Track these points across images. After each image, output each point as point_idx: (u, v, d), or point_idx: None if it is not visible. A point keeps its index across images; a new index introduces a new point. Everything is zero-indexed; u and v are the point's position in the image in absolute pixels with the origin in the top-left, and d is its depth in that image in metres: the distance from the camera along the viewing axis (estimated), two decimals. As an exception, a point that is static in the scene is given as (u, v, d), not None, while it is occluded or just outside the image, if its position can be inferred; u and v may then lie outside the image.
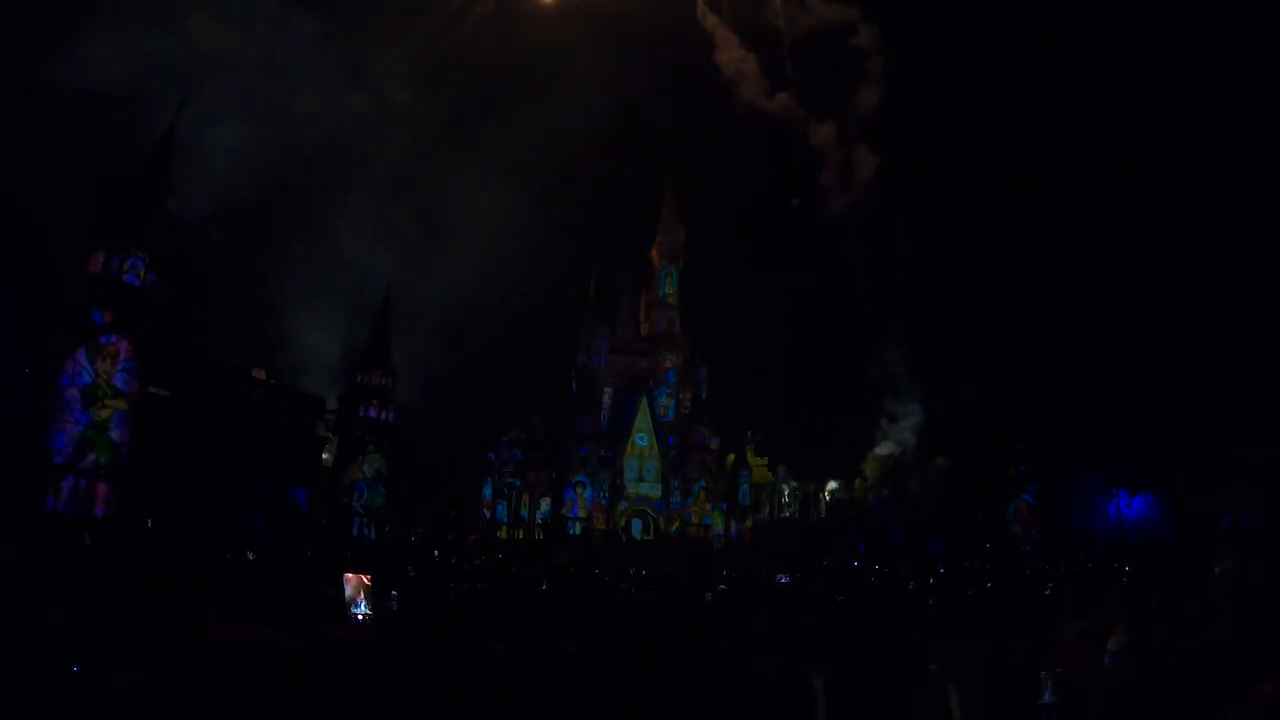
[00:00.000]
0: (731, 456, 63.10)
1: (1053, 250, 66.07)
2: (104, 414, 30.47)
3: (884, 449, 64.74)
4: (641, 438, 58.73)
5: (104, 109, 38.58)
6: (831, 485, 66.71)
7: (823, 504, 65.59)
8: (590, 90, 58.25)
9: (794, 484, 66.27)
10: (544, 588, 11.00)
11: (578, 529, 53.19)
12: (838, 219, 65.52)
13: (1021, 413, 57.04)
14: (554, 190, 71.01)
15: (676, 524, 57.80)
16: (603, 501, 56.64)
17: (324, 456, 45.90)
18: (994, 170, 69.25)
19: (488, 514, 57.91)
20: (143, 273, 31.62)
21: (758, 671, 4.41)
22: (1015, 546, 52.13)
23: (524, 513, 57.29)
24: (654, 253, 66.75)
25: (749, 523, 61.79)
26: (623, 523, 56.42)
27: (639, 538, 55.55)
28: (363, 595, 4.56)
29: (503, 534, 56.01)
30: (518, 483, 58.06)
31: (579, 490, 56.30)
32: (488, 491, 58.70)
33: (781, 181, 63.47)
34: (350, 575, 4.80)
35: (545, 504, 56.83)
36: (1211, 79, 58.68)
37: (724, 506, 60.68)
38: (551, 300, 67.22)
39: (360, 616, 4.50)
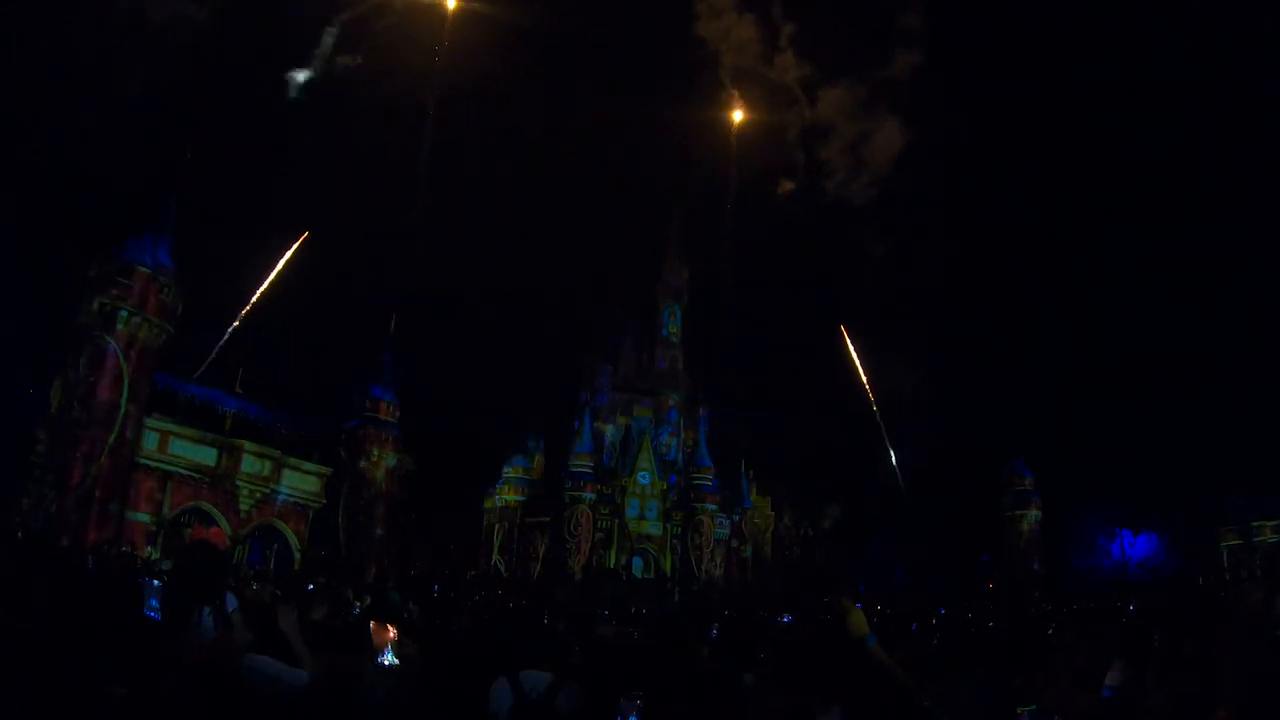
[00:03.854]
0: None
1: (1055, 288, 66.30)
2: (103, 436, 30.84)
3: (886, 488, 64.48)
4: (643, 476, 58.55)
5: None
6: (833, 524, 66.32)
7: (825, 543, 65.19)
8: (597, 124, 58.98)
9: (797, 523, 65.96)
10: (545, 624, 10.97)
11: (578, 567, 52.94)
12: (841, 247, 65.70)
13: (1024, 451, 56.88)
14: (559, 224, 71.53)
15: (678, 562, 57.46)
16: (604, 540, 56.40)
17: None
18: (1001, 200, 69.64)
19: (487, 549, 57.71)
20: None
21: (762, 710, 4.43)
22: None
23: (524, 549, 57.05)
24: (658, 290, 66.95)
25: (750, 562, 61.44)
26: (623, 561, 56.10)
27: (640, 576, 55.20)
28: (389, 646, 4.59)
29: (503, 570, 55.71)
30: (518, 519, 57.88)
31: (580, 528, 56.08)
32: (487, 527, 58.61)
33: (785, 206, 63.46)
34: (376, 624, 4.83)
35: (545, 541, 56.59)
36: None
37: (726, 545, 60.36)
38: (554, 336, 67.42)
39: (386, 663, 4.53)
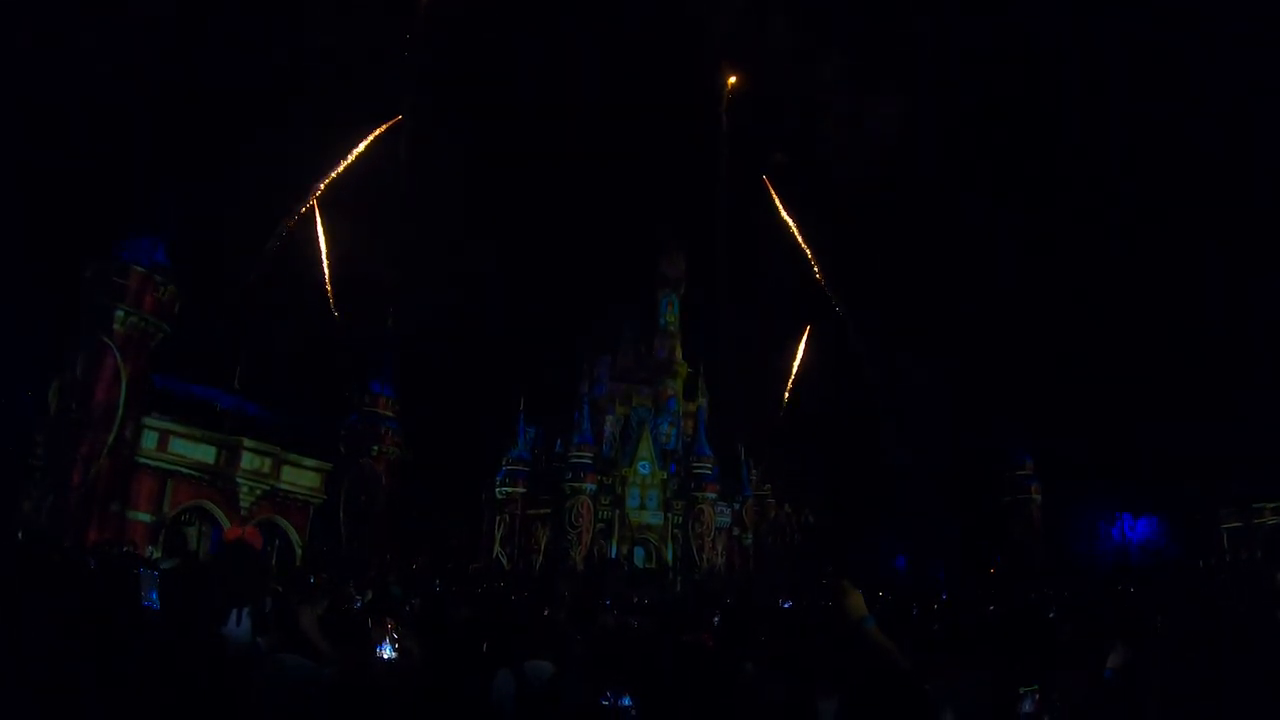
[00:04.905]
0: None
1: (1057, 274, 66.20)
2: (104, 437, 30.87)
3: (887, 476, 64.55)
4: (644, 466, 58.58)
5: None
6: (834, 511, 66.42)
7: (826, 530, 65.29)
8: (593, 112, 58.86)
9: (798, 510, 66.03)
10: (547, 615, 10.99)
11: (579, 558, 53.03)
12: (841, 235, 65.66)
13: (1024, 434, 56.98)
14: (555, 215, 71.44)
15: (679, 552, 57.54)
16: (605, 530, 56.46)
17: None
18: (1003, 190, 69.49)
19: (489, 542, 57.81)
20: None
21: (763, 699, 4.43)
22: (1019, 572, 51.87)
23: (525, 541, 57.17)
24: (655, 280, 66.80)
25: (752, 550, 61.54)
26: (625, 551, 56.18)
27: (641, 566, 55.29)
28: (389, 639, 4.60)
29: (505, 563, 55.82)
30: (519, 511, 57.96)
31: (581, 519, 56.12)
32: (489, 520, 58.67)
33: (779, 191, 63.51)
34: (374, 618, 4.87)
35: (547, 532, 56.66)
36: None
37: (727, 533, 60.44)
38: (552, 327, 67.38)
39: (386, 657, 4.54)
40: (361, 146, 46.92)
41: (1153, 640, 4.48)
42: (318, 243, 50.02)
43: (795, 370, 62.82)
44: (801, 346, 62.44)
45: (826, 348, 65.18)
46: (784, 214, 59.46)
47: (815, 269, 60.29)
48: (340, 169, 48.07)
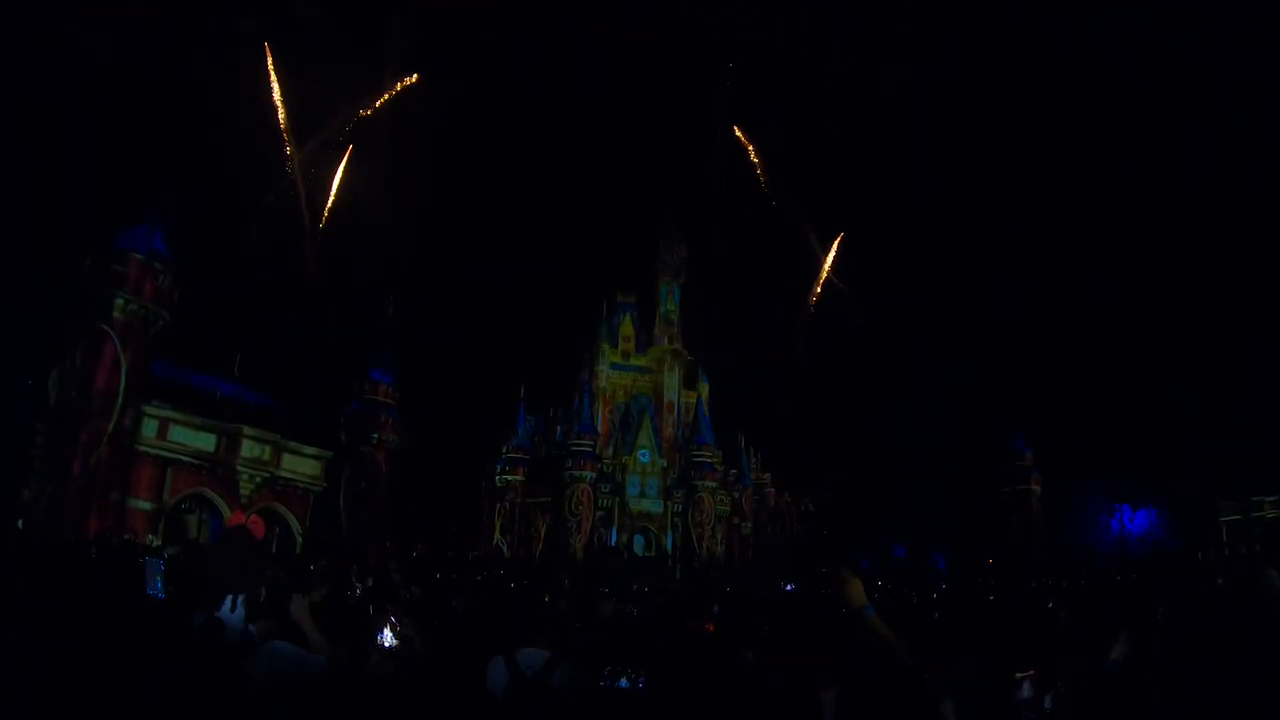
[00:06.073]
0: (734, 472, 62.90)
1: (1057, 270, 66.20)
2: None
3: (886, 465, 64.59)
4: (644, 454, 58.65)
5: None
6: (832, 500, 66.52)
7: (824, 518, 65.41)
8: (594, 102, 58.66)
9: (797, 499, 66.14)
10: (546, 602, 10.99)
11: (579, 546, 53.12)
12: (841, 228, 65.44)
13: (1023, 426, 57.02)
14: (560, 205, 71.48)
15: (679, 540, 57.65)
16: (604, 519, 56.54)
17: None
18: (1002, 182, 69.43)
19: (489, 530, 57.91)
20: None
21: (762, 689, 4.43)
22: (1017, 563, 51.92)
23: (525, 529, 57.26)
24: (656, 268, 66.62)
25: (751, 539, 61.64)
26: (625, 539, 56.27)
27: (641, 554, 55.38)
28: (388, 626, 4.58)
29: (504, 551, 55.93)
30: (519, 499, 58.05)
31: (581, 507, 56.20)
32: (489, 508, 58.76)
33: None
34: (374, 605, 4.87)
35: (546, 520, 56.76)
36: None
37: (727, 522, 60.53)
38: (555, 316, 67.45)
39: (386, 645, 4.53)
40: (376, 105, 46.35)
41: (1154, 632, 4.48)
42: (308, 223, 49.64)
43: (821, 280, 60.26)
44: (831, 256, 60.25)
45: (825, 344, 64.90)
46: (754, 158, 58.29)
47: (786, 208, 59.07)
48: (355, 118, 47.41)
